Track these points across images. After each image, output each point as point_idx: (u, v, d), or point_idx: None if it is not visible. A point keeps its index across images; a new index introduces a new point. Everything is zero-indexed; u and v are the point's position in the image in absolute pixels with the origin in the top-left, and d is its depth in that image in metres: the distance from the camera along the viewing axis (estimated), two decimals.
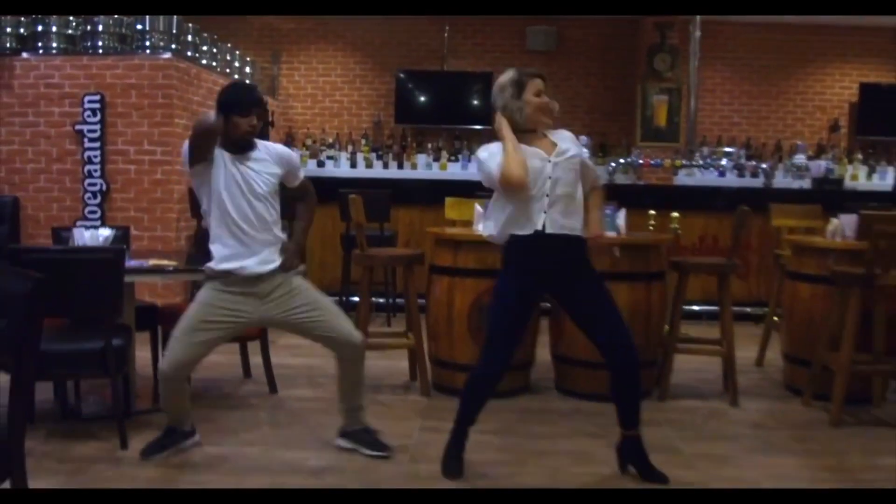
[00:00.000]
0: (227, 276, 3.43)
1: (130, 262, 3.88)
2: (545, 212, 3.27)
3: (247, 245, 3.42)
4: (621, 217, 4.66)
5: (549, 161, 3.28)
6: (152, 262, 4.18)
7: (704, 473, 3.55)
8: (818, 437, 4.08)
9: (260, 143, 3.51)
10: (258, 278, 3.43)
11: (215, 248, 3.45)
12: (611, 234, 4.45)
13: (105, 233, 4.21)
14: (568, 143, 3.38)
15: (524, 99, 3.28)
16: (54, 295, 2.83)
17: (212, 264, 3.45)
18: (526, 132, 3.32)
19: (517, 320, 3.42)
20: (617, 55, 9.71)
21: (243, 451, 3.68)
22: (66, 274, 3.33)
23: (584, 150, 3.55)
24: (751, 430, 4.22)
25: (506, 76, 3.35)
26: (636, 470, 3.42)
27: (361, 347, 3.60)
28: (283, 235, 3.56)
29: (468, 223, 5.09)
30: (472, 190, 5.44)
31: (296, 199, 3.76)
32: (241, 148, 3.40)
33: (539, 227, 3.26)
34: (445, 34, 9.86)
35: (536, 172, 3.26)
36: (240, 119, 3.32)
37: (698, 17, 8.83)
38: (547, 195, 3.27)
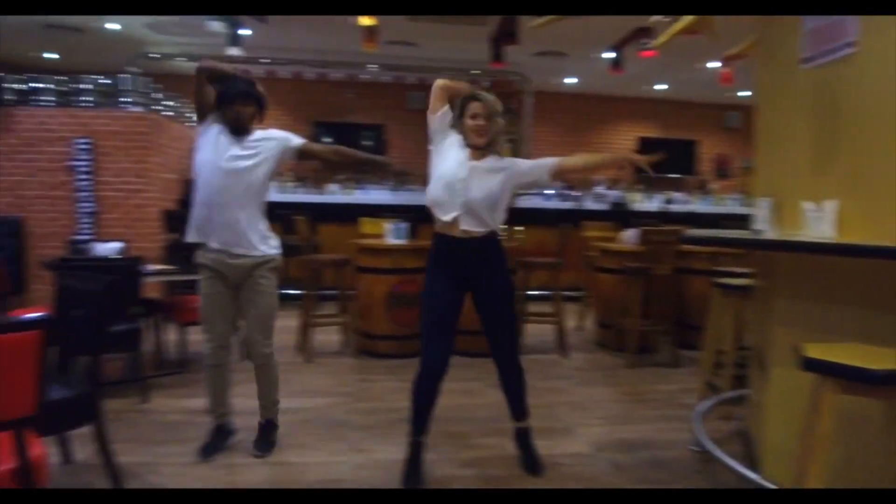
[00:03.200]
0: None
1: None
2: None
3: None
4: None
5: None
6: (153, 266, 4.33)
7: (549, 399, 4.00)
8: (619, 375, 4.65)
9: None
10: None
11: None
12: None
13: (116, 245, 4.33)
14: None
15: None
16: None
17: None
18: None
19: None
20: None
21: (232, 400, 3.81)
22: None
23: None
24: (576, 372, 4.74)
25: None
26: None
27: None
28: None
29: (379, 236, 5.21)
30: (377, 211, 5.79)
31: None
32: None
33: None
34: (349, 95, 10.21)
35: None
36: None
37: (532, 89, 9.56)
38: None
